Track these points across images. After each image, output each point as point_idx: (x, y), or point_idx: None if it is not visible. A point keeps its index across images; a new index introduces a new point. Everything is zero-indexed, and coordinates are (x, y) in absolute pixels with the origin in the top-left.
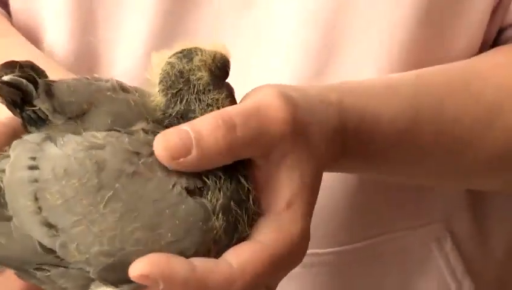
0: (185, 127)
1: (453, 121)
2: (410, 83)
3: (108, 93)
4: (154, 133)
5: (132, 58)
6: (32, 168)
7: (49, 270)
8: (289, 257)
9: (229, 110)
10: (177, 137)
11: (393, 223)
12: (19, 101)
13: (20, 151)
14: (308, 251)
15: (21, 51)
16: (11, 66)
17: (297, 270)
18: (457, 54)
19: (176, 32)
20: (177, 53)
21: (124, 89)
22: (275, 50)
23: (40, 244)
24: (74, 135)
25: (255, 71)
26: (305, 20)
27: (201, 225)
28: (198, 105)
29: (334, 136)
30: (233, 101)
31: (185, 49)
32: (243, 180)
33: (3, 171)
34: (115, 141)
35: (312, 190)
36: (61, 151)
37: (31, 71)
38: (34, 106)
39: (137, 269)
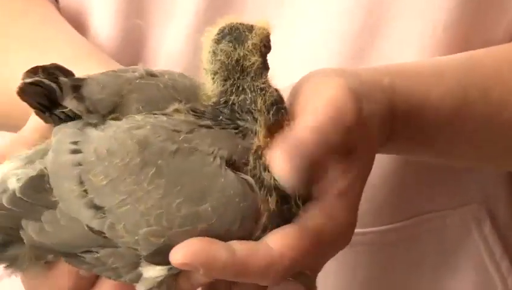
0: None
1: (501, 102)
2: (457, 64)
3: (137, 81)
4: (191, 112)
5: (178, 41)
6: (75, 152)
7: (97, 252)
8: (333, 244)
9: (318, 120)
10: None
11: (433, 203)
12: (47, 103)
13: (61, 136)
14: None
15: (63, 41)
16: (35, 71)
17: None
18: (501, 35)
19: (222, 13)
20: (224, 34)
21: (152, 74)
22: (313, 41)
23: (88, 227)
24: (113, 121)
25: (292, 56)
26: (345, 5)
27: (240, 200)
28: (252, 91)
29: (384, 121)
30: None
31: (231, 29)
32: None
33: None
34: (154, 121)
35: (364, 181)
36: (103, 133)
37: (56, 72)
38: (65, 108)
39: (177, 256)
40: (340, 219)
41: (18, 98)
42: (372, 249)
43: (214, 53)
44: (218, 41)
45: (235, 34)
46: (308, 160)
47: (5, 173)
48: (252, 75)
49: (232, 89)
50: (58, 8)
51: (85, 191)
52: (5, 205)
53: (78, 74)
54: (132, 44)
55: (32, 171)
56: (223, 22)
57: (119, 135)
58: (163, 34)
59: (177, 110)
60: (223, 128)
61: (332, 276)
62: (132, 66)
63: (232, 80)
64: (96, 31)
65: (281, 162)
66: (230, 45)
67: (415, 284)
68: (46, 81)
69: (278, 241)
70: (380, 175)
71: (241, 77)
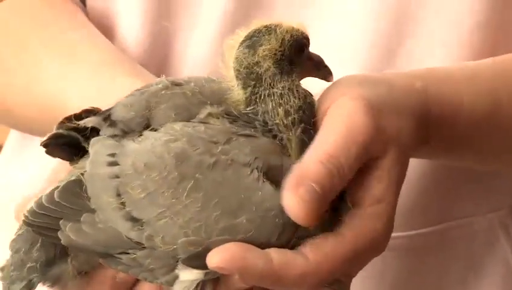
0: (304, 181)
1: None
2: (487, 67)
3: (163, 92)
4: (225, 116)
5: (205, 44)
6: (112, 164)
7: (134, 253)
8: (369, 253)
9: (329, 149)
10: (312, 194)
11: (462, 209)
12: (73, 152)
13: (99, 148)
14: None
15: (90, 47)
16: (61, 124)
17: None
18: None
19: (251, 15)
20: (246, 38)
21: (176, 84)
22: (341, 42)
23: (127, 237)
24: (151, 131)
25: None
26: (373, 9)
27: (277, 214)
28: (272, 100)
29: (418, 126)
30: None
31: (255, 32)
32: None
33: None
34: (192, 131)
35: (399, 185)
36: (140, 146)
37: (84, 115)
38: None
39: (214, 260)
40: (377, 227)
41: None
42: (400, 254)
43: (234, 59)
44: (238, 46)
45: (254, 39)
46: (317, 192)
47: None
48: (269, 81)
49: (255, 98)
50: (86, 12)
51: (122, 203)
52: (45, 203)
53: (105, 79)
54: (159, 48)
55: (71, 177)
56: (256, 23)
57: (157, 148)
58: (190, 37)
59: (210, 115)
60: (263, 136)
61: (359, 280)
62: (156, 79)
63: (251, 87)
64: (123, 34)
65: (288, 200)
66: (246, 51)
67: None
68: (65, 132)
69: (315, 252)
70: (408, 180)
71: (257, 85)
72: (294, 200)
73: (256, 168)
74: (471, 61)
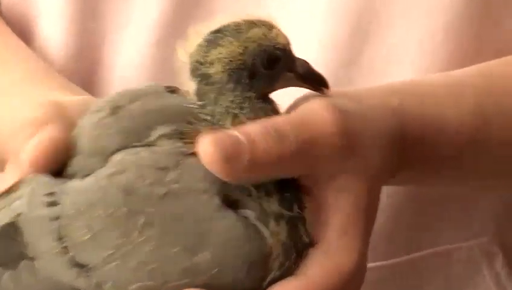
0: (233, 132)
1: None
2: (473, 77)
3: (105, 121)
4: (179, 136)
5: (139, 48)
6: (51, 204)
7: None
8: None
9: (279, 119)
10: (228, 139)
11: (439, 236)
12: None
13: (35, 186)
14: None
15: (13, 62)
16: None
17: None
18: None
19: (191, 16)
20: (208, 34)
21: (117, 107)
22: (300, 43)
23: (72, 288)
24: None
25: None
26: (331, 6)
27: (244, 244)
28: (221, 106)
29: (392, 146)
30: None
31: (219, 28)
32: (295, 207)
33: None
34: (135, 159)
35: (368, 214)
36: (81, 183)
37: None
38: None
39: None
40: (344, 264)
41: None
42: (371, 287)
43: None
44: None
45: (217, 35)
46: (242, 142)
47: None
48: (219, 86)
49: (203, 93)
50: (1, 16)
51: (65, 248)
52: None
53: (23, 96)
54: (86, 52)
55: (3, 220)
56: (240, 16)
57: (100, 183)
58: (121, 40)
59: (163, 136)
60: None
61: None
62: (92, 107)
63: (197, 82)
64: (44, 38)
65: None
66: (203, 44)
67: None
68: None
69: None
70: (382, 207)
71: (203, 82)
72: (210, 146)
73: (214, 193)
74: (456, 71)
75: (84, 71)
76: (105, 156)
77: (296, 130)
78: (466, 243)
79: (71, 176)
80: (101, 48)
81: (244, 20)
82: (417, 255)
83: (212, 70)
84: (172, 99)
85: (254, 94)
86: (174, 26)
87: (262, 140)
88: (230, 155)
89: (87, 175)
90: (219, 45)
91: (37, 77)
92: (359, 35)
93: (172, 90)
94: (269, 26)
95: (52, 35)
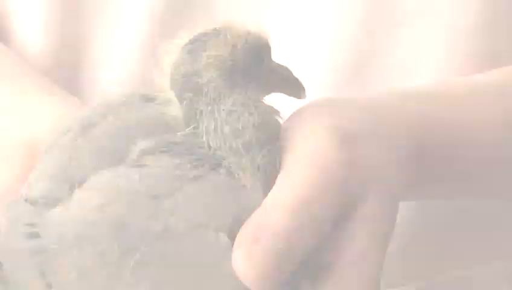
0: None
1: None
2: (495, 84)
3: (76, 142)
4: (161, 151)
5: (128, 50)
6: (32, 236)
7: None
8: None
9: (299, 193)
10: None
11: (458, 260)
12: None
13: (14, 216)
14: None
15: None
16: None
17: None
18: None
19: (185, 18)
20: (185, 45)
21: (89, 125)
22: (299, 45)
23: None
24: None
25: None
26: (344, 7)
27: None
28: (216, 118)
29: (408, 161)
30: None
31: (196, 38)
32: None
33: None
34: (125, 183)
35: (384, 241)
36: (67, 212)
37: None
38: None
39: None
40: None
41: None
42: None
43: (171, 65)
44: (179, 51)
45: (198, 43)
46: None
47: None
48: (213, 96)
49: (194, 114)
50: None
51: (48, 285)
52: None
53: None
54: (69, 53)
55: None
56: (203, 25)
57: (89, 215)
58: (108, 41)
59: (144, 152)
60: (212, 174)
61: None
62: (60, 128)
63: (187, 100)
64: (22, 37)
65: (240, 263)
66: (186, 56)
67: None
68: None
69: None
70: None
71: (195, 99)
72: (247, 262)
73: (220, 230)
74: (475, 76)
75: (67, 75)
76: (77, 182)
77: (322, 199)
78: (486, 267)
79: (35, 200)
80: (85, 49)
81: (220, 25)
82: (434, 282)
83: (204, 79)
84: (149, 110)
85: (253, 93)
86: (163, 26)
87: (298, 238)
88: (275, 277)
89: (59, 202)
90: (204, 51)
91: (8, 77)
92: (368, 38)
93: (150, 98)
94: (246, 26)
95: (30, 35)
